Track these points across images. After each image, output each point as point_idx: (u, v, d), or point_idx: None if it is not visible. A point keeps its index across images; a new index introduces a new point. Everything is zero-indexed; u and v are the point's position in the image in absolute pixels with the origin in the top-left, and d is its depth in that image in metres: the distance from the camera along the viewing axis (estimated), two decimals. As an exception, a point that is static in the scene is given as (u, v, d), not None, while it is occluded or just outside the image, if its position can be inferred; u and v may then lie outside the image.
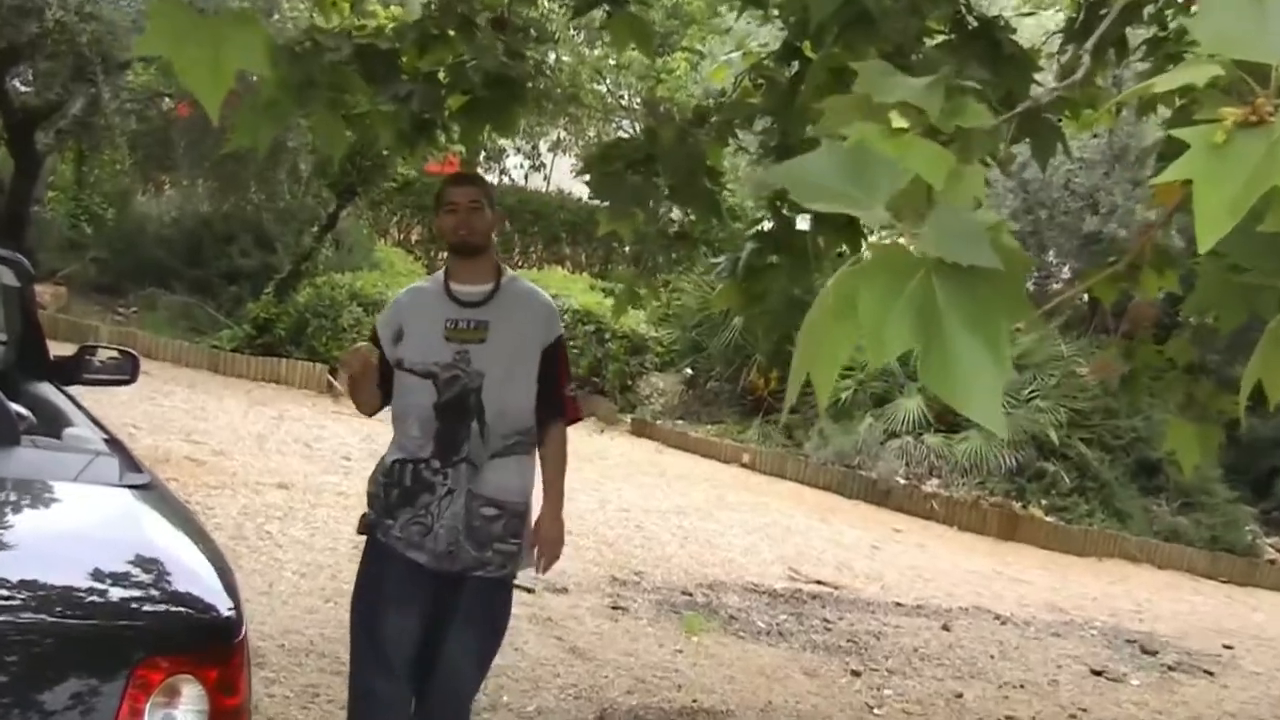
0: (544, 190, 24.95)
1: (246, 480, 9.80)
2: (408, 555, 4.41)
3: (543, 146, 25.33)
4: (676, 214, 6.19)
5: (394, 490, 4.45)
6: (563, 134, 24.73)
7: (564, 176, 24.99)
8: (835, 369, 1.49)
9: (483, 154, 22.95)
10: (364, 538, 4.58)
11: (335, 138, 4.40)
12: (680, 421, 17.41)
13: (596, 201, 5.57)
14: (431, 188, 23.04)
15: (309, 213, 17.95)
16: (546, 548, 4.55)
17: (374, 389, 4.53)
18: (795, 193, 1.54)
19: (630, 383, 17.78)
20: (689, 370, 18.41)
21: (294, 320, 15.60)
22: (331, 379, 14.70)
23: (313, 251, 16.82)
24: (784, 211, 5.44)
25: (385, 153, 14.25)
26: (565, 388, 4.61)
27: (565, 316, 16.95)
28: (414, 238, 23.88)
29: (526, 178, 24.70)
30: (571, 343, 17.09)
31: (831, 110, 1.85)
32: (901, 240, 1.47)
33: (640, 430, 16.99)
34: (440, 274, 4.59)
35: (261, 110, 4.23)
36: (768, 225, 5.62)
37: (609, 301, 17.79)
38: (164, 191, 20.27)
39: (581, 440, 15.42)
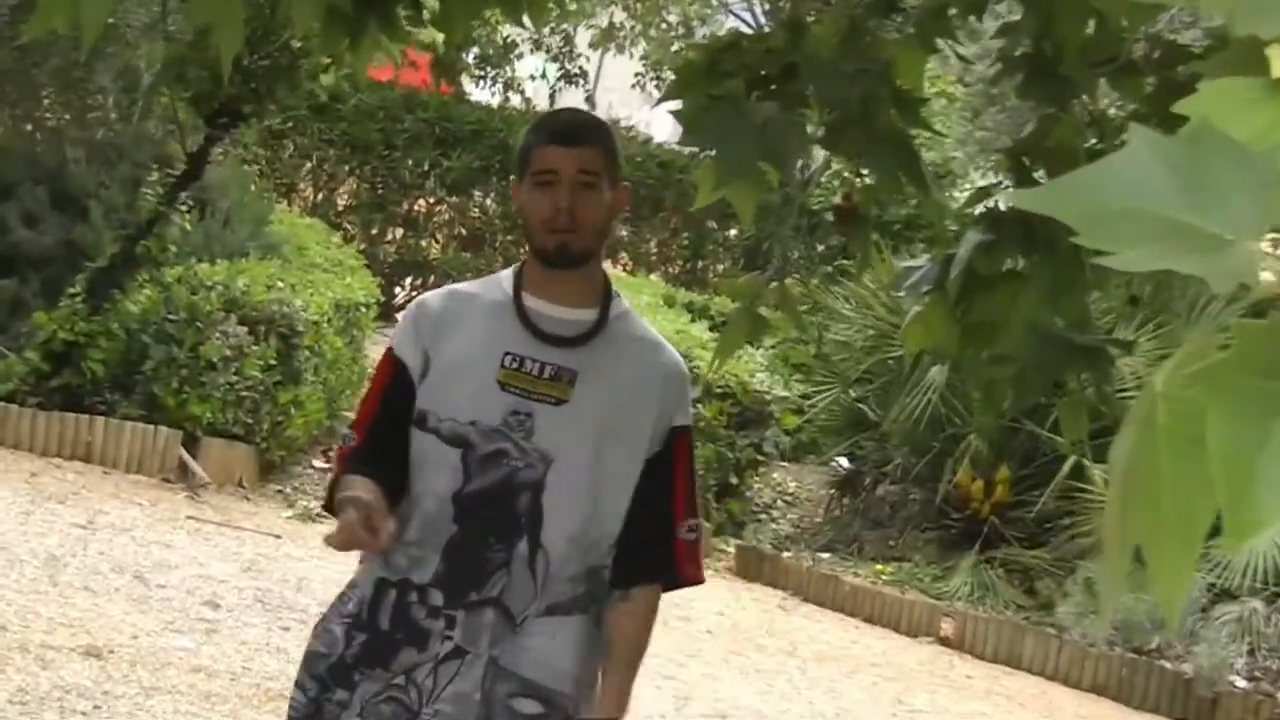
0: (584, 120, 25.13)
1: (26, 641, 9.88)
2: None
3: (582, 41, 25.48)
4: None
5: (357, 636, 4.40)
6: (621, 19, 24.88)
7: (619, 94, 25.18)
8: (1192, 549, 1.40)
9: (473, 52, 23.11)
10: None
11: (226, 23, 4.41)
12: (826, 555, 17.40)
13: (690, 149, 5.61)
14: (380, 109, 23.27)
15: (153, 150, 18.09)
16: None
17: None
18: (1083, 230, 1.44)
19: (737, 480, 17.76)
20: (844, 461, 18.40)
21: (120, 347, 15.70)
22: (186, 455, 14.77)
23: (158, 220, 16.88)
24: (1036, 177, 5.46)
25: (299, 45, 14.34)
26: (683, 518, 4.59)
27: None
28: (342, 200, 23.98)
29: (553, 95, 24.89)
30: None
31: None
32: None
33: (753, 568, 16.97)
34: (506, 277, 4.61)
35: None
36: (1004, 203, 5.65)
37: (700, 329, 17.84)
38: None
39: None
